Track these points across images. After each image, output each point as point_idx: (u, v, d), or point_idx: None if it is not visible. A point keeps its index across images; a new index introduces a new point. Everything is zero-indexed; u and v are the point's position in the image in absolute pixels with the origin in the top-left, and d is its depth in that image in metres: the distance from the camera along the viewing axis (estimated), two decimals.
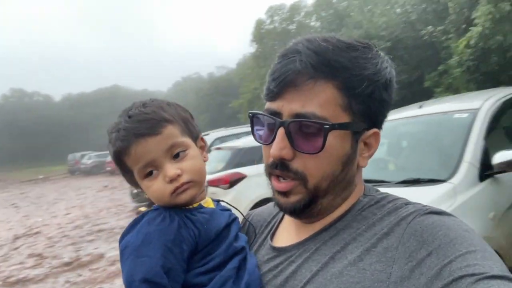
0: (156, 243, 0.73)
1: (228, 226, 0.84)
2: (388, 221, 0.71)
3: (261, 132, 0.78)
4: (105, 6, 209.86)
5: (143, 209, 11.62)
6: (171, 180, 0.78)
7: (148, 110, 0.79)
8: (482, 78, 10.04)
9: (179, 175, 0.79)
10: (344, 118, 0.71)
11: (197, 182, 0.82)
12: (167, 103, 0.84)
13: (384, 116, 0.78)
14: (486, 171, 2.76)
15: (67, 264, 6.81)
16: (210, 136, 9.17)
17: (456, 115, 3.38)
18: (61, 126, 58.70)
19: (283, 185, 0.74)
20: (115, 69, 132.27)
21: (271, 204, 0.98)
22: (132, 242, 0.75)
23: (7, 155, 53.95)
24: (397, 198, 0.77)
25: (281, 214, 0.91)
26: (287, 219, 0.88)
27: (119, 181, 23.11)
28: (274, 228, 0.89)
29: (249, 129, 0.85)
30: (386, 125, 0.79)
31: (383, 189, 0.84)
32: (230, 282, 0.76)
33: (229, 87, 38.15)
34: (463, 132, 3.07)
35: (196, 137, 0.87)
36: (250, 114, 0.81)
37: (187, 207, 0.82)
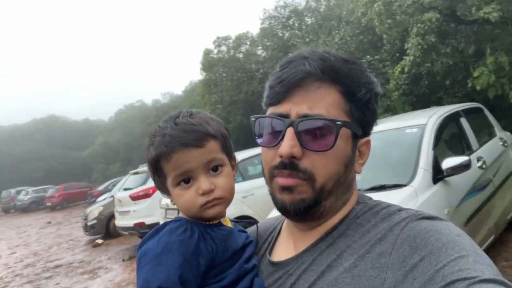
0: (176, 253, 0.74)
1: (244, 247, 0.85)
2: (382, 227, 0.72)
3: (263, 137, 0.79)
4: (39, 27, 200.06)
5: (99, 241, 11.12)
6: (204, 193, 0.80)
7: (195, 122, 0.82)
8: (415, 100, 11.32)
9: (212, 190, 0.80)
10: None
11: (227, 200, 0.84)
12: (211, 118, 0.87)
13: (373, 127, 0.83)
14: (438, 175, 3.33)
15: None
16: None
17: (407, 130, 3.99)
18: None
19: (289, 180, 0.74)
20: (51, 98, 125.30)
21: (267, 221, 1.02)
22: (152, 250, 0.75)
23: None
24: (390, 205, 0.78)
25: (278, 228, 0.92)
26: (284, 233, 0.89)
27: (62, 216, 21.75)
28: (271, 243, 0.90)
29: None
30: None
31: None
32: None
33: None
34: (415, 143, 3.65)
35: (231, 156, 0.88)
36: (253, 118, 0.81)
37: (208, 223, 0.83)
